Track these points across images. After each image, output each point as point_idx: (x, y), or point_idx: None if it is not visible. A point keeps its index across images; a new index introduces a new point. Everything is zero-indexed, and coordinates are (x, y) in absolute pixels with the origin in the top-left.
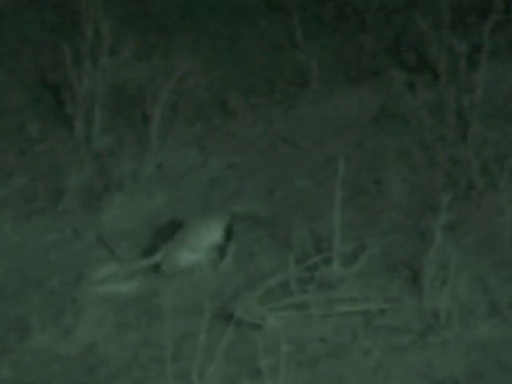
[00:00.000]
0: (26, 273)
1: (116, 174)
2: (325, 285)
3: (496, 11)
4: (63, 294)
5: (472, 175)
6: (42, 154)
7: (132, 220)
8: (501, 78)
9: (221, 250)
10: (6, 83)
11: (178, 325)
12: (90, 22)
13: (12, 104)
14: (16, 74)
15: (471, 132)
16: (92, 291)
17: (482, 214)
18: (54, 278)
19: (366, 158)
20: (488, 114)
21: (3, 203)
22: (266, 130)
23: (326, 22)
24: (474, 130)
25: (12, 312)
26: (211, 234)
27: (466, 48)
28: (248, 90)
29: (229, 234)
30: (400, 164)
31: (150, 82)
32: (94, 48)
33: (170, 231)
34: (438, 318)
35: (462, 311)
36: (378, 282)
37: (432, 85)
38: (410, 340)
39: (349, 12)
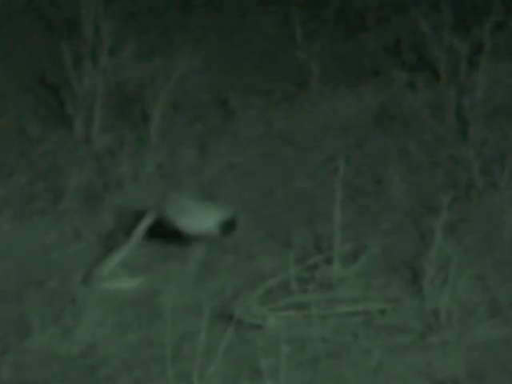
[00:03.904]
0: (26, 273)
1: (116, 174)
2: (325, 285)
3: (496, 11)
4: (63, 294)
5: (472, 175)
6: (42, 154)
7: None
8: (501, 78)
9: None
10: (6, 83)
11: (179, 325)
12: (89, 21)
13: (12, 104)
14: (16, 74)
15: (471, 132)
16: (92, 291)
17: (483, 214)
18: (54, 278)
19: (366, 158)
20: (488, 113)
21: (3, 203)
22: (266, 130)
23: (326, 22)
24: (474, 129)
25: (12, 312)
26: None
27: (467, 48)
28: (248, 90)
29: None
30: (400, 164)
31: (150, 82)
32: (94, 48)
33: None
34: (439, 318)
35: (463, 311)
36: (378, 282)
37: (432, 85)
38: (410, 340)
39: (349, 12)
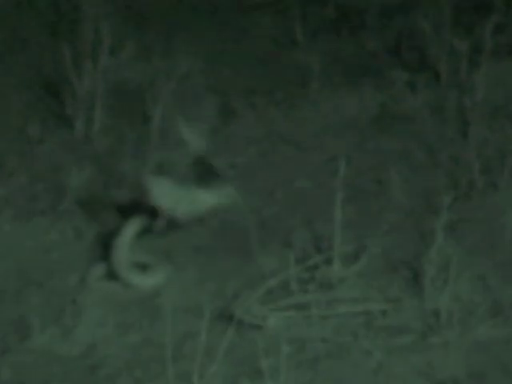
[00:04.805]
0: (26, 273)
1: (116, 174)
2: (325, 285)
3: (496, 11)
4: (63, 294)
5: (473, 175)
6: (42, 154)
7: None
8: (501, 78)
9: None
10: (6, 83)
11: (179, 325)
12: (90, 21)
13: (12, 104)
14: (16, 74)
15: (472, 132)
16: (92, 291)
17: (483, 214)
18: (54, 278)
19: (367, 157)
20: (489, 113)
21: (3, 203)
22: (266, 130)
23: (326, 21)
24: (474, 129)
25: (12, 312)
26: None
27: (467, 48)
28: (248, 90)
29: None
30: (401, 164)
31: (150, 82)
32: (94, 48)
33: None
34: (439, 319)
35: (463, 311)
36: (378, 282)
37: (433, 85)
38: (410, 340)
39: (349, 12)
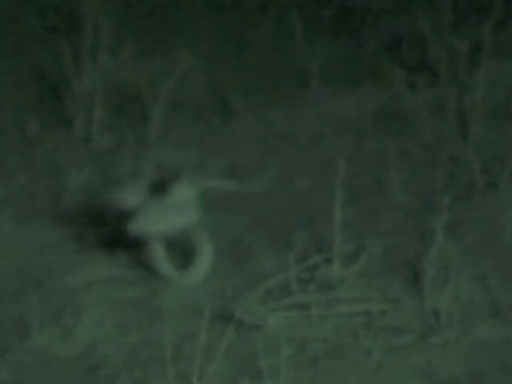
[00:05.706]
0: (26, 273)
1: (116, 174)
2: (325, 285)
3: (496, 10)
4: (63, 294)
5: (473, 175)
6: (42, 154)
7: None
8: (501, 78)
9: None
10: (6, 83)
11: (178, 325)
12: (89, 21)
13: (12, 104)
14: (16, 73)
15: (472, 132)
16: (93, 292)
17: (483, 214)
18: (53, 278)
19: (366, 157)
20: (489, 113)
21: (3, 203)
22: (266, 130)
23: (325, 21)
24: (474, 129)
25: (12, 312)
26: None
27: (467, 47)
28: (248, 90)
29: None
30: (400, 164)
31: (150, 82)
32: (94, 48)
33: None
34: (439, 319)
35: (463, 312)
36: (378, 282)
37: (432, 84)
38: (410, 340)
39: (349, 12)
